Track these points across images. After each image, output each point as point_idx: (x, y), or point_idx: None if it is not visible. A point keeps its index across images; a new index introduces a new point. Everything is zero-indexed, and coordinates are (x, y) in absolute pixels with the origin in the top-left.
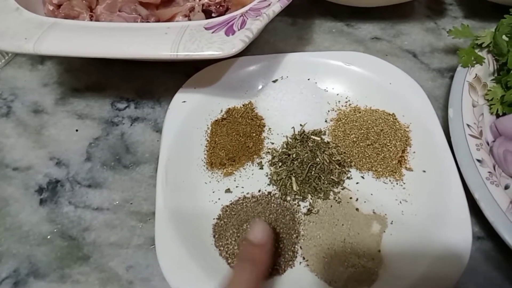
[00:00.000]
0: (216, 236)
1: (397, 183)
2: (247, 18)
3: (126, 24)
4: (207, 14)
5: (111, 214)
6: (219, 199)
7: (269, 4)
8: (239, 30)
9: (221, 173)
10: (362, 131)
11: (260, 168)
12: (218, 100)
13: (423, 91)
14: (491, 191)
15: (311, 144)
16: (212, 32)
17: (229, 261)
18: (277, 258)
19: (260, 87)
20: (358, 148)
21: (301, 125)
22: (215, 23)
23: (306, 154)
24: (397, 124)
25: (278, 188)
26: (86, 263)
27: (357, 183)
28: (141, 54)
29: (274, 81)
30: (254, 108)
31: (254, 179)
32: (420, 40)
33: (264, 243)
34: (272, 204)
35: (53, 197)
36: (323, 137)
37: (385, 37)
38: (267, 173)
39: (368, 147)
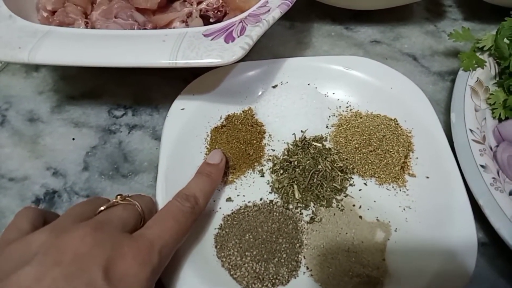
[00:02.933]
0: (218, 246)
1: (400, 190)
2: (247, 25)
3: (122, 31)
4: (205, 19)
5: None
6: (220, 208)
7: (269, 10)
8: (238, 37)
9: (222, 182)
10: (364, 137)
11: (261, 176)
12: (217, 106)
13: (425, 95)
14: (495, 197)
15: (313, 151)
16: (211, 39)
17: (231, 273)
18: (280, 268)
19: (259, 93)
20: (360, 154)
21: (302, 131)
22: (214, 30)
23: (308, 161)
24: (399, 129)
25: (280, 196)
26: None
27: (360, 190)
28: (139, 63)
29: (274, 87)
30: (254, 114)
31: (255, 187)
32: (420, 43)
33: (218, 163)
34: (274, 213)
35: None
36: (324, 143)
37: (384, 41)
38: (268, 181)
39: (371, 153)
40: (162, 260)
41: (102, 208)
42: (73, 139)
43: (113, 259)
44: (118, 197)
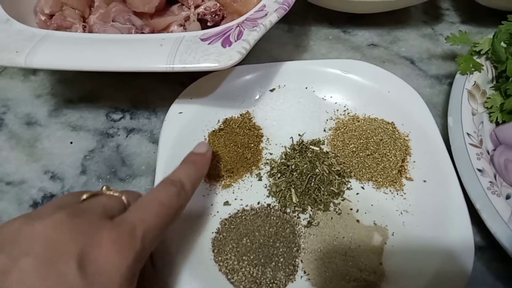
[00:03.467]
0: (215, 250)
1: (397, 193)
2: (244, 29)
3: (120, 35)
4: (203, 23)
5: None
6: (217, 212)
7: (266, 14)
8: (235, 41)
9: (219, 185)
10: (361, 140)
11: (258, 180)
12: (215, 110)
13: (422, 99)
14: (492, 201)
15: (310, 155)
16: (209, 44)
17: (228, 277)
18: (277, 272)
19: (257, 96)
20: (357, 158)
21: (299, 135)
22: (211, 34)
23: (305, 165)
24: (397, 133)
25: (278, 200)
26: None
27: (357, 193)
28: (136, 67)
29: (271, 90)
30: (251, 118)
31: (253, 191)
32: (417, 46)
33: (204, 153)
34: (272, 217)
35: None
36: (322, 147)
37: (382, 44)
38: (266, 184)
39: (368, 157)
40: (146, 246)
41: (84, 196)
42: (71, 142)
43: (90, 246)
44: (104, 187)
